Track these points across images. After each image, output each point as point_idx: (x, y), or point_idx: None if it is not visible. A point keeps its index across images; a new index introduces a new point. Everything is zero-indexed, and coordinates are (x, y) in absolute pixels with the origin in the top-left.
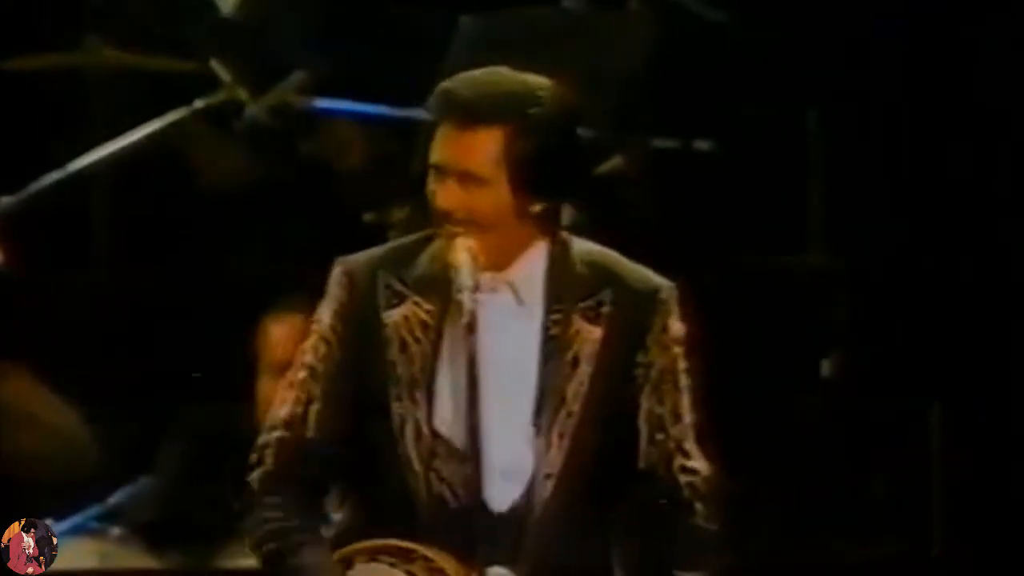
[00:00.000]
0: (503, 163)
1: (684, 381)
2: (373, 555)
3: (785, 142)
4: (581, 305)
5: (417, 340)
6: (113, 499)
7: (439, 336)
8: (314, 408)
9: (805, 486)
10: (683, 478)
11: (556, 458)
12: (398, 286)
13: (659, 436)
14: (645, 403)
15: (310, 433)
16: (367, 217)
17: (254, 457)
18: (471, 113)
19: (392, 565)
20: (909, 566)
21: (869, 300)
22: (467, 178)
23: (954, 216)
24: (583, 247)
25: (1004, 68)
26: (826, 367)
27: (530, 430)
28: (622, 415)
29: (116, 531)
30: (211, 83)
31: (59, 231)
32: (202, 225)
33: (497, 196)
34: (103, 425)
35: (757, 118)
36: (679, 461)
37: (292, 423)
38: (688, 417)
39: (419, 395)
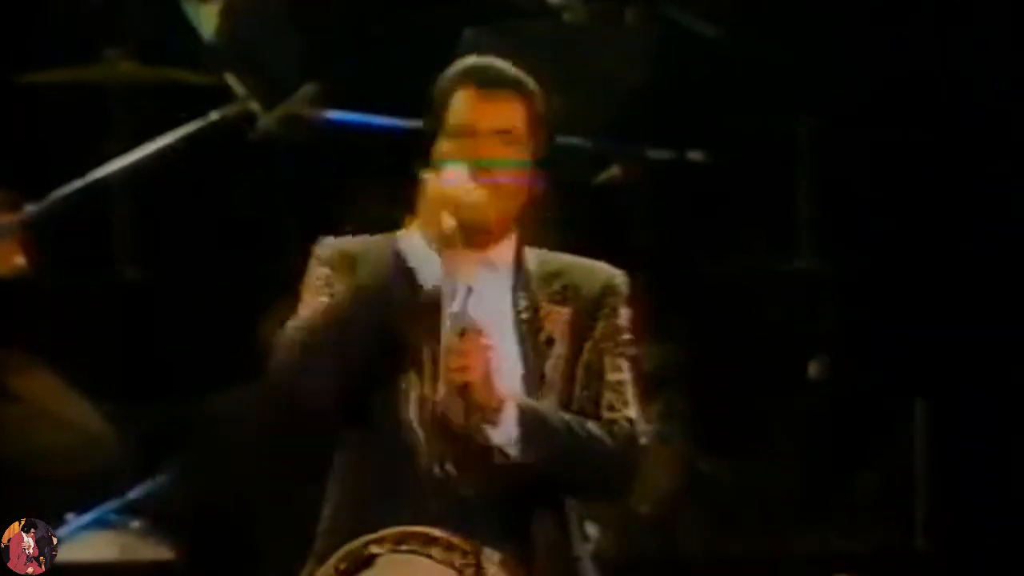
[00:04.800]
0: (528, 128)
1: (625, 350)
2: (395, 544)
3: (775, 152)
4: (547, 292)
5: (419, 317)
6: (133, 493)
7: (437, 318)
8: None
9: (793, 482)
10: (607, 415)
11: None
12: (404, 264)
13: (594, 382)
14: (585, 355)
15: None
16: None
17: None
18: (500, 80)
19: (415, 552)
20: (894, 559)
21: (854, 303)
22: (503, 134)
23: (936, 222)
24: (537, 251)
25: (990, 76)
26: (813, 368)
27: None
28: (596, 395)
29: (136, 524)
30: (226, 96)
31: (81, 237)
32: (218, 231)
33: (525, 157)
34: (123, 422)
35: (748, 129)
36: (607, 400)
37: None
38: (625, 375)
39: (426, 367)
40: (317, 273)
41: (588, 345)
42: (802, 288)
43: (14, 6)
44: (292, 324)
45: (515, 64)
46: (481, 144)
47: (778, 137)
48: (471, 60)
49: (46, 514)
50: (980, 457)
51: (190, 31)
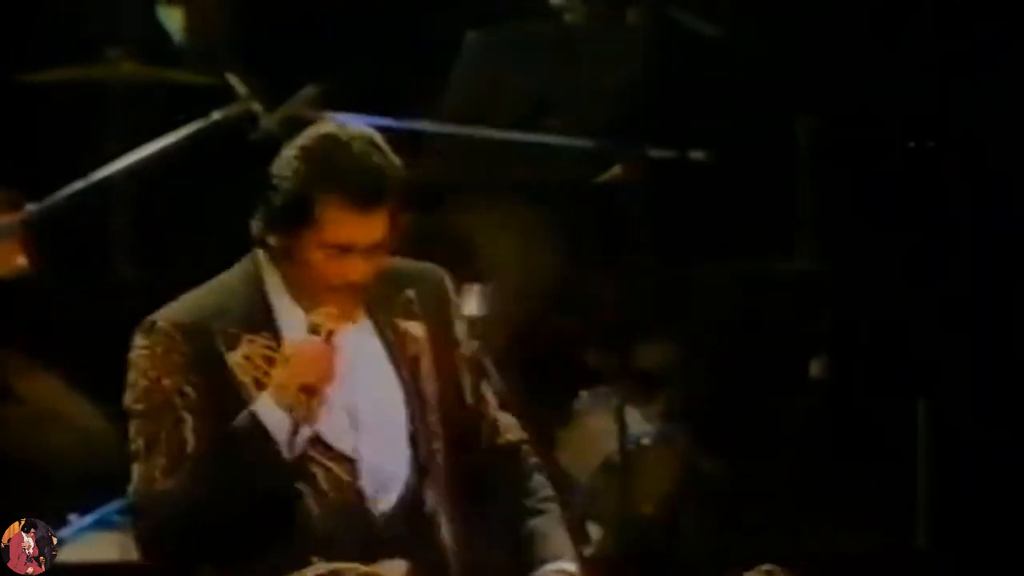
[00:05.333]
0: (394, 224)
1: (473, 350)
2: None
3: (776, 152)
4: (396, 306)
5: (266, 374)
6: None
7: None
8: (191, 450)
9: (794, 482)
10: (507, 438)
11: (438, 452)
12: (231, 329)
13: (486, 412)
14: (456, 372)
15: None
16: None
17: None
18: (375, 196)
19: None
20: (895, 559)
21: (855, 303)
22: (373, 250)
23: (937, 221)
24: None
25: (990, 76)
26: (815, 367)
27: (404, 432)
28: (462, 399)
29: None
30: (227, 96)
31: (82, 237)
32: (220, 231)
33: (383, 257)
34: (125, 423)
35: (749, 129)
36: (503, 423)
37: (174, 469)
38: (490, 382)
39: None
40: (149, 372)
41: (453, 360)
42: (803, 288)
43: (15, 5)
44: (158, 480)
45: (376, 142)
46: (352, 265)
47: (779, 137)
48: (346, 159)
49: (48, 515)
50: (981, 457)
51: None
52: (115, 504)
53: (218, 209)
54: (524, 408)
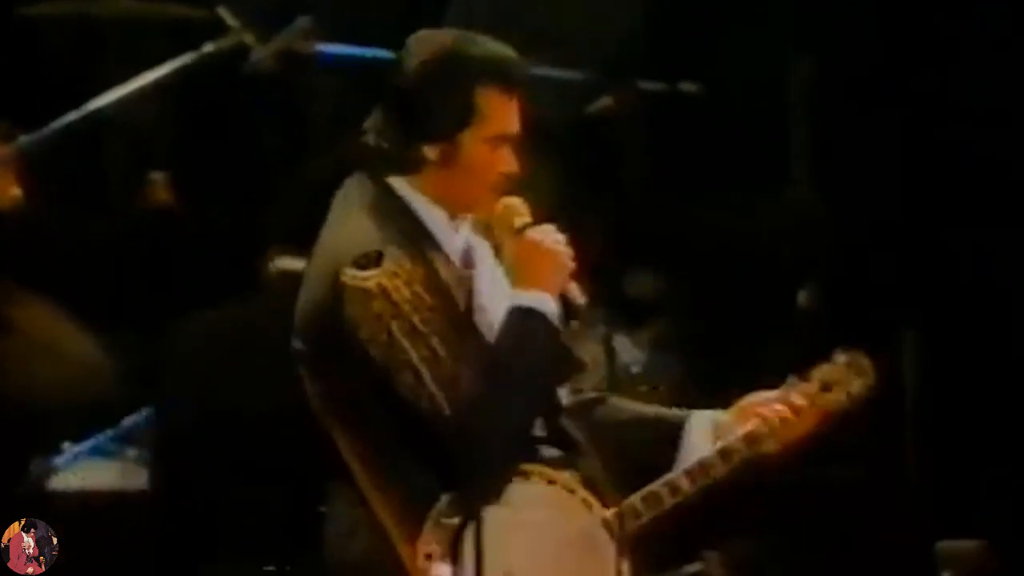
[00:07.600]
0: None
1: None
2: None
3: (767, 84)
4: None
5: (461, 294)
6: (127, 422)
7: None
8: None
9: None
10: None
11: None
12: (428, 251)
13: None
14: None
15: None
16: None
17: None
18: (522, 78)
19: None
20: (883, 492)
21: (844, 233)
22: (517, 141)
23: (929, 154)
24: None
25: (989, 16)
26: (802, 297)
27: None
28: None
29: (132, 452)
30: (219, 28)
31: (75, 168)
32: (212, 163)
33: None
34: (119, 352)
35: (742, 60)
36: None
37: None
38: None
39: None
40: (393, 296)
41: None
42: (792, 218)
43: None
44: (464, 388)
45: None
46: (509, 156)
47: (772, 70)
48: (491, 50)
49: (43, 443)
50: (970, 388)
51: None
52: (109, 432)
53: (211, 141)
54: None
